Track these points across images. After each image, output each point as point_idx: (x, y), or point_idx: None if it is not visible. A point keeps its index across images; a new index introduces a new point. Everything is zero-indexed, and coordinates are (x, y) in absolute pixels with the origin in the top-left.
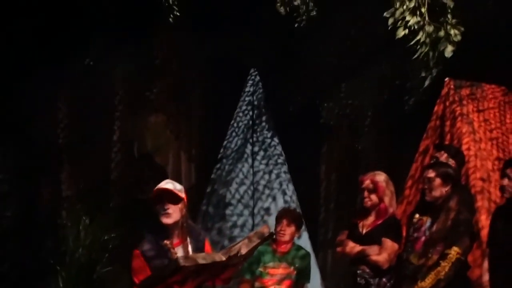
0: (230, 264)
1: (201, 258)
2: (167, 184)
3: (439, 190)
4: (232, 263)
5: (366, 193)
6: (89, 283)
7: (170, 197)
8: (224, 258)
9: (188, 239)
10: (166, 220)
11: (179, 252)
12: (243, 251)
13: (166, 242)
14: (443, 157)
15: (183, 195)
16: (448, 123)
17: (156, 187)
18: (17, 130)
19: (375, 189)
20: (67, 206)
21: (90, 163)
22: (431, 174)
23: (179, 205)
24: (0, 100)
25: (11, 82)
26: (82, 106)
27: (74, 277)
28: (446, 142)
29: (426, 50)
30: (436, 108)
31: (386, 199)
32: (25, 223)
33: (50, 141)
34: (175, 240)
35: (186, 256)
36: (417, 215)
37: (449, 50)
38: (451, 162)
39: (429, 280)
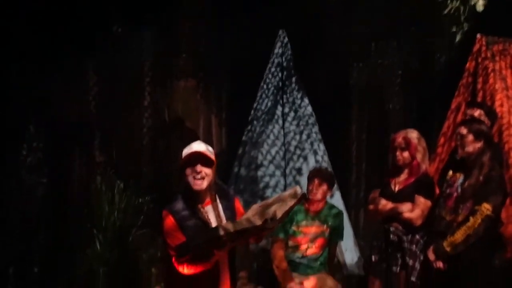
0: (266, 228)
1: (239, 224)
2: (200, 145)
3: (472, 146)
4: (268, 227)
5: (398, 151)
6: (125, 246)
7: (203, 160)
8: (260, 222)
9: (218, 199)
10: (199, 184)
11: (209, 212)
12: (279, 214)
13: (199, 206)
14: (476, 113)
15: (214, 157)
16: (480, 79)
17: (189, 149)
18: (49, 99)
19: (407, 146)
20: (101, 171)
21: (122, 129)
22: (464, 130)
23: (212, 168)
24: (31, 70)
25: (41, 52)
26: (112, 73)
27: (110, 240)
28: (479, 99)
29: (457, 4)
30: (468, 65)
31: (419, 156)
32: (60, 189)
33: (82, 108)
34: (205, 201)
35: (225, 225)
36: (450, 172)
37: (480, 4)
38: (484, 118)
39: (458, 235)
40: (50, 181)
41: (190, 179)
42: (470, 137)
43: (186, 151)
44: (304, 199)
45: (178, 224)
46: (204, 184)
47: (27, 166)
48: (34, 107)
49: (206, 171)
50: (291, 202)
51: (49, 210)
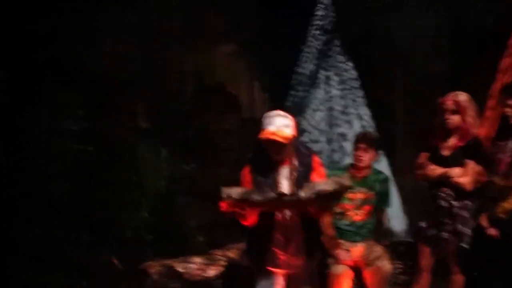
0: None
1: (241, 194)
2: (275, 127)
3: None
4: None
5: (448, 114)
6: (171, 213)
7: (279, 144)
8: (270, 196)
9: (296, 159)
10: (275, 155)
11: (283, 171)
12: (302, 193)
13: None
14: None
15: (292, 131)
16: None
17: (264, 132)
18: (90, 68)
19: (457, 109)
20: (146, 139)
21: (164, 95)
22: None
23: (289, 143)
24: (69, 39)
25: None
26: (152, 39)
27: (156, 207)
28: None
29: None
30: None
31: (469, 119)
32: (106, 157)
33: (123, 76)
34: (283, 160)
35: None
36: (500, 137)
37: None
38: None
39: (511, 200)
40: (96, 149)
41: (269, 151)
42: None
43: (264, 125)
44: (348, 189)
45: (251, 174)
46: (280, 157)
47: (73, 135)
48: (78, 77)
49: (281, 149)
50: (335, 186)
51: (96, 178)
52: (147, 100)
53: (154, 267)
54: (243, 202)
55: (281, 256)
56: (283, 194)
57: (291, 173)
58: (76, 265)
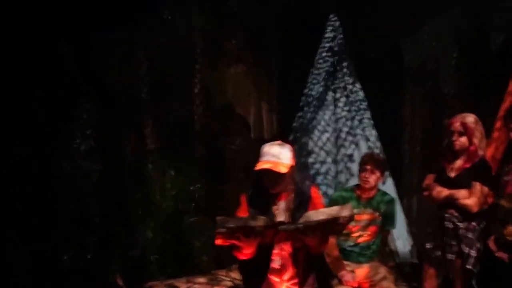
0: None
1: (237, 222)
2: (272, 157)
3: None
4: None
5: (455, 136)
6: (177, 233)
7: (276, 175)
8: (261, 225)
9: (292, 192)
10: (272, 189)
11: (281, 205)
12: (317, 217)
13: (274, 207)
14: None
15: (289, 161)
16: None
17: (260, 162)
18: (99, 87)
19: (465, 131)
20: (152, 159)
21: (172, 116)
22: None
23: (287, 174)
24: (81, 58)
25: (90, 39)
26: (162, 60)
27: (162, 227)
28: None
29: None
30: None
31: (476, 141)
32: (113, 176)
33: (133, 96)
34: (280, 195)
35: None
36: (506, 159)
37: None
38: None
39: None
40: (103, 168)
41: (266, 183)
42: None
43: (261, 155)
44: (351, 220)
45: (248, 205)
46: (277, 188)
47: (80, 153)
48: (86, 96)
49: (278, 180)
50: (337, 215)
51: (102, 197)
52: (155, 120)
53: (158, 287)
54: (240, 230)
55: (278, 284)
56: (281, 222)
57: (287, 207)
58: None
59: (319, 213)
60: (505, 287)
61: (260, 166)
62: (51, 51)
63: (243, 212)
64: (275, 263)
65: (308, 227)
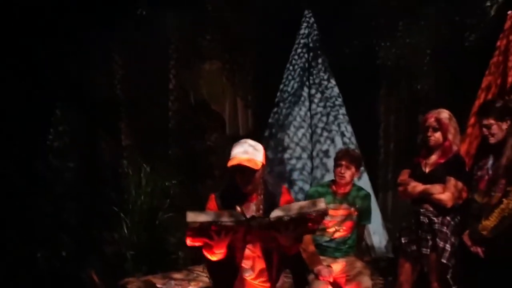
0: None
1: (205, 217)
2: (244, 151)
3: (500, 131)
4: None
5: (430, 131)
6: (152, 229)
7: (250, 171)
8: (229, 221)
9: (263, 196)
10: (245, 187)
11: (252, 207)
12: (272, 214)
13: (238, 208)
14: None
15: (261, 159)
16: (511, 58)
17: (234, 158)
18: (75, 84)
19: (439, 126)
20: (128, 155)
21: (147, 113)
22: (487, 121)
23: (259, 172)
24: (57, 55)
25: (66, 37)
26: (137, 57)
27: (138, 223)
28: (510, 78)
29: None
30: (499, 43)
31: (450, 137)
32: (87, 173)
33: (108, 92)
34: (251, 196)
35: (193, 213)
36: (480, 155)
37: None
38: None
39: (493, 218)
40: (77, 165)
41: (238, 181)
42: (495, 123)
43: (233, 152)
44: (324, 215)
45: (217, 204)
46: (249, 186)
47: (54, 150)
48: (60, 92)
49: (251, 177)
50: (293, 211)
51: (76, 193)
52: (130, 116)
53: (134, 283)
54: (211, 226)
55: (249, 283)
56: (253, 217)
57: (257, 208)
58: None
59: (292, 207)
60: (480, 281)
61: (233, 162)
62: (24, 49)
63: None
64: (247, 264)
65: (280, 222)
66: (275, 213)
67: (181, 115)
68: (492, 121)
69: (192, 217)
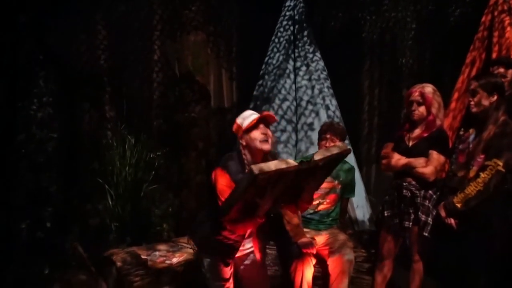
0: (305, 175)
1: (274, 165)
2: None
3: (485, 101)
4: (304, 168)
5: (414, 105)
6: (137, 201)
7: (269, 123)
8: (296, 163)
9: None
10: (267, 146)
11: None
12: (317, 157)
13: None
14: (500, 70)
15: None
16: (496, 33)
17: (251, 114)
18: (57, 54)
19: (423, 101)
20: (112, 127)
21: (132, 84)
22: (476, 85)
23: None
24: (39, 25)
25: (49, 7)
26: (121, 27)
27: (122, 195)
28: (494, 54)
29: None
30: (483, 18)
31: (434, 111)
32: (71, 144)
33: (91, 63)
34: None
35: (259, 164)
36: (463, 128)
37: None
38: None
39: (469, 191)
40: (60, 136)
41: (257, 142)
42: (483, 91)
43: (249, 116)
44: (348, 154)
45: (231, 179)
46: (270, 146)
47: (37, 121)
48: (43, 62)
49: (270, 133)
50: (334, 150)
51: (60, 165)
52: (114, 87)
53: (118, 255)
54: (278, 174)
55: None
56: (302, 162)
57: None
58: (39, 251)
59: (330, 149)
60: (454, 253)
61: (260, 116)
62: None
63: (226, 187)
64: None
65: (321, 165)
66: (318, 156)
67: (166, 87)
68: (501, 70)
69: (260, 168)
